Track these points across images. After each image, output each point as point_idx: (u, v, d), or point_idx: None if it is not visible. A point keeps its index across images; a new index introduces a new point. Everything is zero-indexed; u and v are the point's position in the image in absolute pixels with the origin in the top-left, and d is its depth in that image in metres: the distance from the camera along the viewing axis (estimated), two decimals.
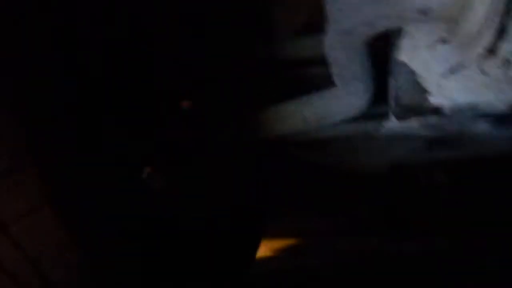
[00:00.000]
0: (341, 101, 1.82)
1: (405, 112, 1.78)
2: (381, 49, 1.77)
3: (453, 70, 1.54)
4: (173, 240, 1.96)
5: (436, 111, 1.72)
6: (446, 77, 1.57)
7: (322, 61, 1.78)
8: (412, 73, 1.62)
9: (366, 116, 1.93)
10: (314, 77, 2.06)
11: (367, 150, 2.14)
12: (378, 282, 2.20)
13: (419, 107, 1.71)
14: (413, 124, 1.83)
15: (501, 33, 1.34)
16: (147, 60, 1.91)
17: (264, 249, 2.65)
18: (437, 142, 2.00)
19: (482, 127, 1.84)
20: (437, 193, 2.44)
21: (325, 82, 1.86)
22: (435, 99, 1.66)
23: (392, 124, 1.86)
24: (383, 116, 1.90)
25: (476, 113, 1.73)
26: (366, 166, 2.28)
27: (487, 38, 1.36)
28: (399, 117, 1.82)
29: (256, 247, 2.36)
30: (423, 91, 1.65)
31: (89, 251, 1.50)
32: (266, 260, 2.60)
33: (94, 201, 1.59)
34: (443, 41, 1.51)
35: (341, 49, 1.64)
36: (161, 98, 1.99)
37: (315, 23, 2.00)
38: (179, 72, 2.03)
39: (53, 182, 1.39)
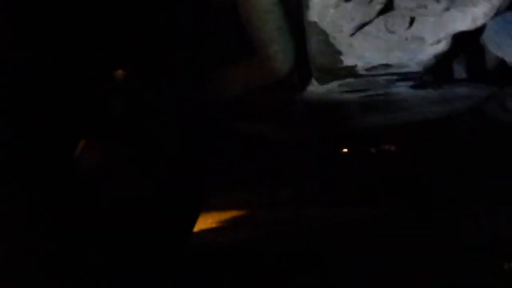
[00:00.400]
0: (261, 66, 1.80)
1: (323, 74, 1.76)
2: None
3: (359, 28, 1.52)
4: (109, 215, 1.95)
5: (352, 72, 1.71)
6: (354, 36, 1.56)
7: None
8: (323, 33, 1.59)
9: (293, 82, 1.91)
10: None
11: (299, 120, 2.12)
12: (318, 252, 2.20)
13: (334, 68, 1.68)
14: (334, 87, 1.81)
15: None
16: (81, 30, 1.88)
17: (210, 221, 2.66)
18: (366, 107, 1.99)
19: (404, 89, 1.82)
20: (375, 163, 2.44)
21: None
22: (348, 59, 1.63)
23: (314, 88, 1.84)
24: (308, 81, 1.88)
25: (392, 74, 1.72)
26: (303, 136, 2.27)
27: None
28: (319, 80, 1.80)
29: (194, 219, 2.36)
30: (336, 52, 1.63)
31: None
32: (210, 231, 2.61)
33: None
34: None
35: (251, 6, 1.62)
36: (94, 69, 1.96)
37: None
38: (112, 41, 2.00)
39: None
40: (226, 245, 2.33)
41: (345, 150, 2.46)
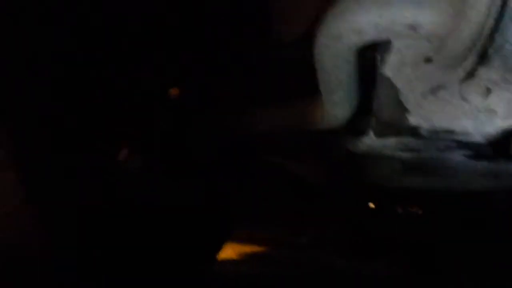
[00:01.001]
0: (322, 110, 1.81)
1: (384, 128, 1.77)
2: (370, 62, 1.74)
3: (433, 91, 1.54)
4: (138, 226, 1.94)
5: (413, 131, 1.72)
6: (426, 98, 1.57)
7: None
8: (394, 89, 1.61)
9: (346, 130, 1.92)
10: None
11: (341, 167, 2.13)
12: None
13: (398, 125, 1.70)
14: (390, 143, 1.82)
15: (481, 57, 1.35)
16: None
17: (231, 252, 2.65)
18: (412, 167, 2.00)
19: (458, 157, 1.83)
20: (409, 220, 2.43)
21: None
22: (413, 119, 1.65)
23: (370, 141, 1.84)
24: (363, 132, 1.89)
25: (453, 140, 1.73)
26: (339, 182, 2.28)
27: (469, 61, 1.36)
28: (378, 134, 1.81)
29: (219, 247, 2.35)
30: (403, 109, 1.64)
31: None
32: (231, 262, 2.60)
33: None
34: (428, 60, 1.50)
35: (328, 54, 1.64)
36: (145, 80, 1.98)
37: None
38: (167, 58, 2.02)
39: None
40: (243, 277, 2.32)
41: (374, 205, 2.46)
